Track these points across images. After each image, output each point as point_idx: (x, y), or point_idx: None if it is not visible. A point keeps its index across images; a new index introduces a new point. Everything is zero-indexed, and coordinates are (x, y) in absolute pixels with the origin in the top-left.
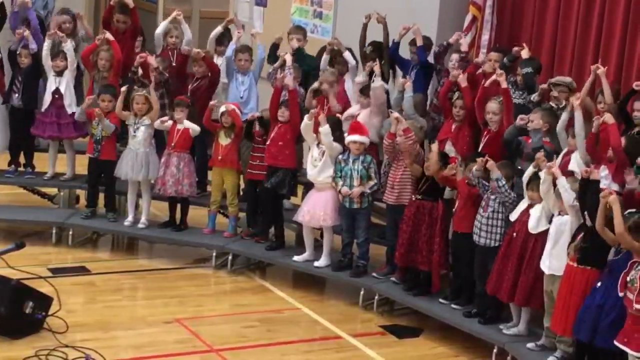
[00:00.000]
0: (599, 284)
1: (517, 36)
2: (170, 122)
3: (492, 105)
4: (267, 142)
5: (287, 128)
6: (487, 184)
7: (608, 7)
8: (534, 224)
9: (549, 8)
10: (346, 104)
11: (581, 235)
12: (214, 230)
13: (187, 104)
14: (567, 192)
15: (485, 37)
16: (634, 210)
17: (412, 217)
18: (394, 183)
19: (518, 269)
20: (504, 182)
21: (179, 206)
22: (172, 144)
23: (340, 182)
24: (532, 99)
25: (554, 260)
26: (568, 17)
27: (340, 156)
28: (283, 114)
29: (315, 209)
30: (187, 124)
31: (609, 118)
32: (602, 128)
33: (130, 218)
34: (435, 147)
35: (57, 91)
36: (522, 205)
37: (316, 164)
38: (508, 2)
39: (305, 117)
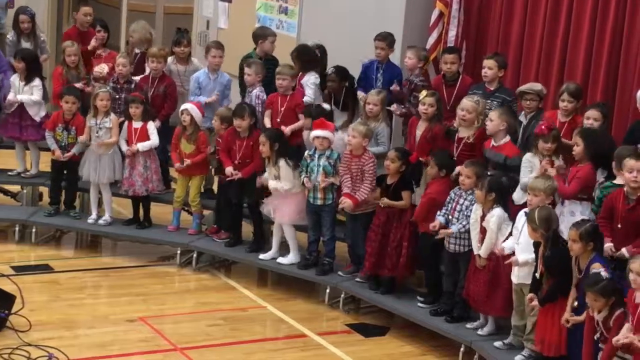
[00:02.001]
0: (575, 304)
1: (484, 33)
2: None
3: (467, 102)
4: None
5: (248, 145)
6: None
7: (576, 2)
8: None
9: (516, 3)
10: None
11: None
12: (179, 228)
13: (141, 100)
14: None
15: (452, 34)
16: (586, 219)
17: (381, 225)
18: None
19: (491, 280)
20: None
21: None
22: (134, 144)
23: (307, 176)
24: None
25: (522, 269)
26: (536, 12)
27: (306, 152)
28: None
29: (280, 205)
30: (148, 143)
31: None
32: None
33: (93, 215)
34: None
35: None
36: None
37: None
38: None
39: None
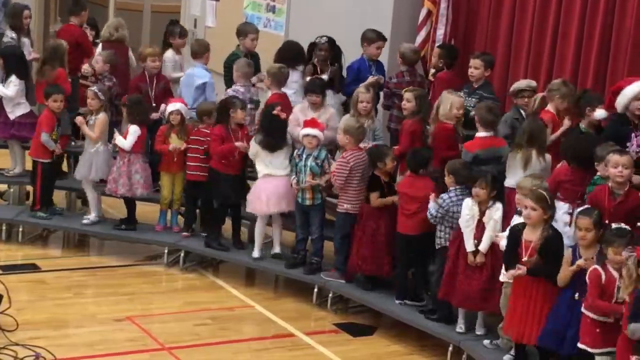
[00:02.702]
0: (576, 295)
1: (473, 30)
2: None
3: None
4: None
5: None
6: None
7: (565, 0)
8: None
9: (505, 1)
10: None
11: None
12: (166, 227)
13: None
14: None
15: (440, 32)
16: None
17: (363, 222)
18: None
19: (469, 274)
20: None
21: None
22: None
23: (295, 179)
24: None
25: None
26: (524, 9)
27: (296, 151)
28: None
29: (260, 196)
30: (121, 141)
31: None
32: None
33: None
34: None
35: None
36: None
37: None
38: None
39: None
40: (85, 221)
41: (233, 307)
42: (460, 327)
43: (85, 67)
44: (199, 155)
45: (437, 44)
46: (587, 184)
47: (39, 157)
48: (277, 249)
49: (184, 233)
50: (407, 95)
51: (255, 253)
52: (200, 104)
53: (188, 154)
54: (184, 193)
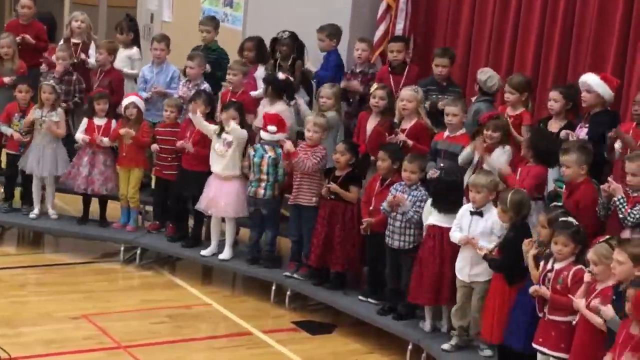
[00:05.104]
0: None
1: (433, 25)
2: (87, 138)
3: (405, 93)
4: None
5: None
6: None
7: None
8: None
9: None
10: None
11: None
12: (124, 225)
13: (108, 95)
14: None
15: (399, 27)
16: (557, 204)
17: (326, 217)
18: (294, 182)
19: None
20: (410, 215)
21: (93, 201)
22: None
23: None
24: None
25: (476, 267)
26: (485, 4)
27: (250, 150)
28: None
29: (218, 199)
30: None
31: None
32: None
33: (36, 211)
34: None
35: None
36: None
37: (224, 155)
38: None
39: (190, 114)
40: (32, 216)
41: (190, 305)
42: (426, 325)
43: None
44: (167, 155)
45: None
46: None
47: (7, 149)
48: (227, 254)
49: (150, 223)
50: (380, 92)
51: (209, 251)
52: (172, 99)
53: (158, 153)
54: (154, 191)
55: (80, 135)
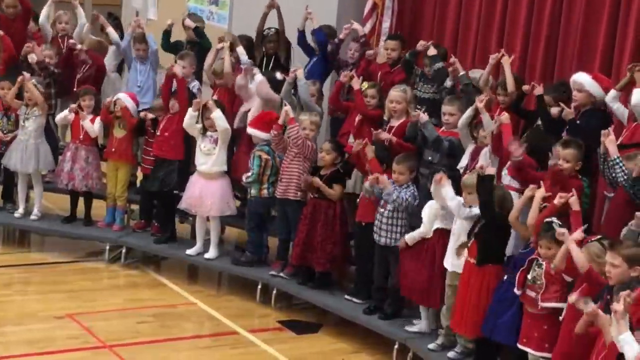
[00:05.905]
0: (505, 277)
1: (419, 22)
2: (71, 116)
3: (394, 94)
4: (157, 134)
5: (175, 119)
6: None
7: None
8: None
9: None
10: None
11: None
12: (111, 224)
13: (94, 92)
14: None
15: (386, 25)
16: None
17: (309, 215)
18: (282, 176)
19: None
20: (394, 197)
21: (80, 200)
22: (80, 137)
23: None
24: (445, 85)
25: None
26: (471, 3)
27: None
28: (173, 106)
29: (203, 198)
30: (87, 125)
31: (505, 119)
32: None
33: (21, 210)
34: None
35: None
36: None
37: (211, 152)
38: None
39: (190, 110)
40: (32, 217)
41: (175, 304)
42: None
43: (29, 58)
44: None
45: (382, 37)
46: None
47: None
48: (212, 253)
49: (135, 222)
50: (371, 91)
51: (194, 250)
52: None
53: (145, 147)
54: (142, 187)
55: (62, 114)
